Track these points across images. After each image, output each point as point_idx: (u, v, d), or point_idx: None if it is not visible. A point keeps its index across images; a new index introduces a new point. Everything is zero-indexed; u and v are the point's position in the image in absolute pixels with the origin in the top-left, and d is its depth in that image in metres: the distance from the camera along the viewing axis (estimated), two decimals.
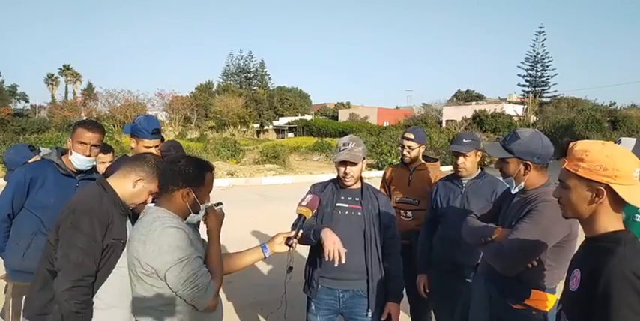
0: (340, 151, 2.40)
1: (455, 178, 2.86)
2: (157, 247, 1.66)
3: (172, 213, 1.77)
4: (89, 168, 2.60)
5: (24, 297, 2.19)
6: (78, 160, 2.49)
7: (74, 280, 1.79)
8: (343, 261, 2.07)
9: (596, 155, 1.30)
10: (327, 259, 2.10)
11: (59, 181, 2.46)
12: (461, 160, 2.75)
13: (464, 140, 2.73)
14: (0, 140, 17.96)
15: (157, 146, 2.79)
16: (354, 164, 2.39)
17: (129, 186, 1.95)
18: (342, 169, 2.40)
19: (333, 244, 2.10)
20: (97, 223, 1.84)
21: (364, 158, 2.44)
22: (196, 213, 1.83)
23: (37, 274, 1.99)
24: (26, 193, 2.42)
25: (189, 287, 1.66)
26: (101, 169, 3.38)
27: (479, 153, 2.77)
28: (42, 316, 1.96)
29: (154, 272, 1.68)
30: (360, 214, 2.43)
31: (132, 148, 2.84)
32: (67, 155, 2.51)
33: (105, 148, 3.59)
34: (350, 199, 2.46)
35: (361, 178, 2.52)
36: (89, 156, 2.50)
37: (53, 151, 2.54)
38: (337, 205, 2.45)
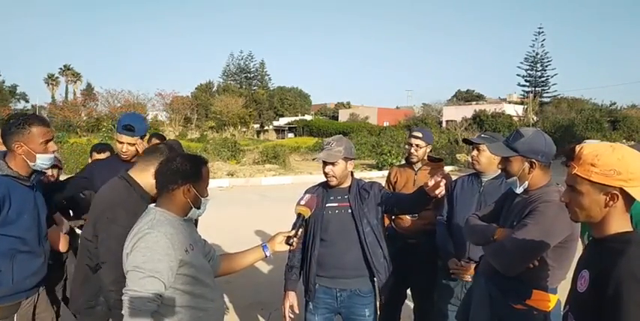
0: (322, 149, 2.44)
1: (475, 176, 2.86)
2: (137, 247, 1.67)
3: (172, 213, 1.78)
4: None
5: (15, 316, 2.15)
6: (46, 161, 2.19)
7: (119, 272, 1.87)
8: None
9: (608, 159, 1.28)
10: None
11: (22, 193, 2.16)
12: (474, 152, 2.75)
13: (482, 135, 2.71)
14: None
15: (130, 143, 2.82)
16: (332, 164, 2.41)
17: (150, 178, 2.00)
18: (323, 168, 2.45)
19: (286, 307, 2.46)
20: (131, 214, 1.94)
21: (352, 159, 2.46)
22: (198, 208, 1.84)
23: (77, 270, 2.10)
24: None
25: (126, 298, 1.62)
26: None
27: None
28: (90, 309, 2.05)
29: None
30: (349, 211, 2.43)
31: None
32: (14, 161, 2.16)
33: (102, 148, 3.61)
34: (339, 198, 2.48)
35: (352, 176, 2.54)
36: (54, 151, 2.25)
37: None
38: (327, 205, 2.47)
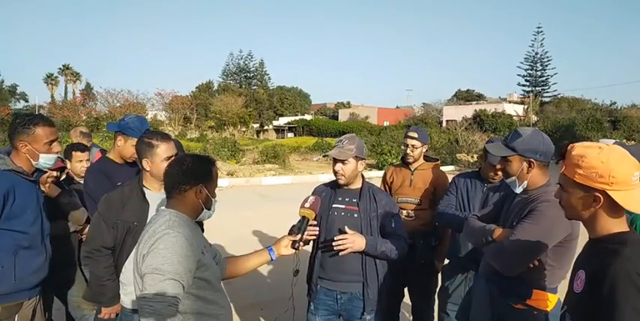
0: (333, 147, 2.40)
1: (478, 176, 2.87)
2: (155, 248, 1.58)
3: (185, 215, 1.72)
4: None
5: (16, 316, 2.14)
6: (49, 161, 2.25)
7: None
8: None
9: (592, 161, 1.28)
10: None
11: (26, 188, 2.20)
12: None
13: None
14: (0, 140, 17.97)
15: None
16: (342, 162, 2.37)
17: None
18: (333, 166, 2.40)
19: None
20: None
21: (363, 158, 2.42)
22: (209, 208, 1.80)
23: None
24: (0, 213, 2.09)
25: (145, 302, 1.53)
26: (77, 167, 3.29)
27: None
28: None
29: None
30: (356, 215, 2.38)
31: (118, 146, 2.78)
32: (18, 158, 2.21)
33: (82, 148, 3.42)
34: (347, 200, 2.43)
35: (363, 178, 2.49)
36: (58, 151, 2.31)
37: (4, 157, 2.18)
38: (333, 205, 2.42)
